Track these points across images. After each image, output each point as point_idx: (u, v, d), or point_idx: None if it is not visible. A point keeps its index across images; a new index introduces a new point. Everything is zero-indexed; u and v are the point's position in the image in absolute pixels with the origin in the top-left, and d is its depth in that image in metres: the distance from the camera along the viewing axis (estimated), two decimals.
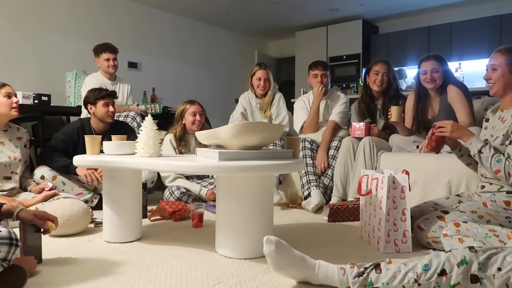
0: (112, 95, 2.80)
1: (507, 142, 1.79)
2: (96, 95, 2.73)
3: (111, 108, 2.75)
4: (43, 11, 4.54)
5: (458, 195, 2.05)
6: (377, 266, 1.28)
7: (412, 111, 2.73)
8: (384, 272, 1.25)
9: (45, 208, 2.07)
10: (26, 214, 1.58)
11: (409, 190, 1.81)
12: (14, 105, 2.37)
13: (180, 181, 2.91)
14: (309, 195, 2.80)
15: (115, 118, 3.04)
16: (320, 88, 3.10)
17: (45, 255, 1.68)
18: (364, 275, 1.27)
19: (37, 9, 4.49)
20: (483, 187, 1.94)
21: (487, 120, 2.03)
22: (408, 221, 1.80)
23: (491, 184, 1.90)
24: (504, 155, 1.76)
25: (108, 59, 3.53)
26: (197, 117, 2.98)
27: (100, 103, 2.72)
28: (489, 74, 1.87)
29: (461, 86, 2.62)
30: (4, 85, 2.38)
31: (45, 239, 1.99)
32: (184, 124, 3.03)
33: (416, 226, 1.87)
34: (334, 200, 2.81)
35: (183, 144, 3.02)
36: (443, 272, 1.20)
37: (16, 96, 2.41)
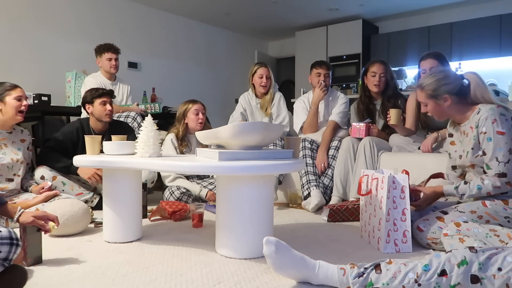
0: (109, 93, 2.80)
1: (481, 153, 1.79)
2: (93, 94, 2.74)
3: (108, 107, 2.74)
4: (43, 11, 4.54)
5: None
6: (377, 267, 1.28)
7: (414, 109, 2.73)
8: (384, 272, 1.25)
9: (45, 208, 2.07)
10: (26, 218, 1.59)
11: (409, 190, 1.81)
12: (22, 108, 2.34)
13: (180, 181, 2.91)
14: (309, 195, 2.80)
15: (114, 118, 3.04)
16: (322, 89, 3.10)
17: (45, 255, 1.68)
18: (364, 275, 1.27)
19: (37, 9, 4.49)
20: None
21: (451, 135, 2.02)
22: (408, 221, 1.80)
23: None
24: (477, 176, 1.80)
25: (110, 59, 3.53)
26: (200, 115, 2.98)
27: (97, 101, 2.72)
28: (424, 109, 1.95)
29: None
30: (15, 87, 2.35)
31: (46, 239, 1.99)
32: (186, 124, 3.03)
33: (416, 227, 1.87)
34: (334, 200, 2.81)
35: (185, 144, 3.02)
36: (443, 273, 1.20)
37: (26, 100, 2.38)
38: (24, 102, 2.36)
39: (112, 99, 2.84)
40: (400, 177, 1.81)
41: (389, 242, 1.79)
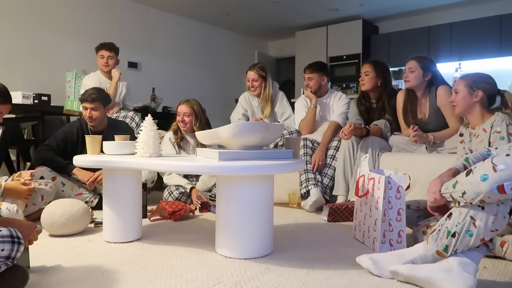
0: (90, 100, 2.65)
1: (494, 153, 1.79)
2: (80, 98, 2.71)
3: (89, 113, 2.66)
4: (43, 11, 4.54)
5: None
6: (449, 216, 1.35)
7: (401, 109, 2.73)
8: (455, 215, 1.32)
9: (46, 209, 2.07)
10: None
11: (406, 189, 1.81)
12: None
13: (175, 176, 2.90)
14: (307, 193, 2.79)
15: (113, 117, 3.05)
16: (307, 89, 3.18)
17: (45, 255, 1.69)
18: (441, 232, 1.33)
19: (37, 9, 4.49)
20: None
21: (461, 135, 2.11)
22: (403, 221, 1.79)
23: None
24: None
25: (102, 56, 3.52)
26: (181, 117, 2.93)
27: (82, 106, 2.72)
28: (453, 97, 2.08)
29: (449, 87, 2.56)
30: None
31: (45, 239, 2.00)
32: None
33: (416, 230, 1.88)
34: (340, 199, 2.79)
35: (180, 136, 3.01)
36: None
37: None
38: None
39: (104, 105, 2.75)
40: (396, 177, 1.80)
41: (385, 242, 1.79)
